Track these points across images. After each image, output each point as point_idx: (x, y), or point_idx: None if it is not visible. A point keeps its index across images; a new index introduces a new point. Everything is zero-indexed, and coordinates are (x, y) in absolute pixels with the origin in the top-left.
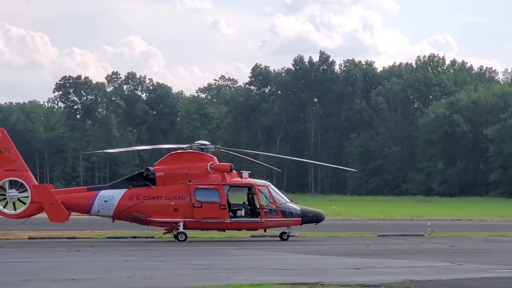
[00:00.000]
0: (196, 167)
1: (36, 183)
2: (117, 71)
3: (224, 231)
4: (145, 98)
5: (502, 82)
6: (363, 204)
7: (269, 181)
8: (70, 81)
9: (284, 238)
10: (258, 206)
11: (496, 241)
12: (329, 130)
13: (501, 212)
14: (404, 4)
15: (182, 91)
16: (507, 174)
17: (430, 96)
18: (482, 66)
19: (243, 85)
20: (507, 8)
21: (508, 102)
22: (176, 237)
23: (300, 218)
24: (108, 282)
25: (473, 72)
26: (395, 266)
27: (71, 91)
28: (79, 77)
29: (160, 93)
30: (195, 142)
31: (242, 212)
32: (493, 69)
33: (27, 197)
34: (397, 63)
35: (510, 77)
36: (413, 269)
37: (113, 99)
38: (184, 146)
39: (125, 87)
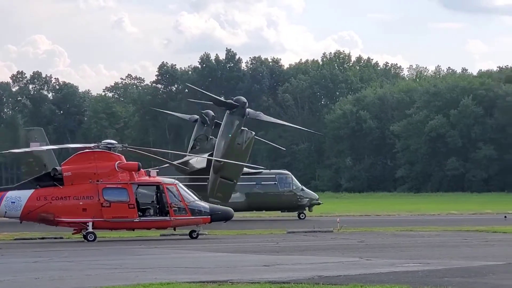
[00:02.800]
0: (104, 166)
1: None
2: (22, 71)
3: (133, 230)
4: (51, 98)
5: (407, 78)
6: None
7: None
8: None
9: (194, 236)
10: (167, 205)
11: (403, 235)
12: None
13: (408, 207)
14: (309, 1)
15: (89, 90)
16: (413, 169)
17: (337, 93)
18: (387, 63)
19: (150, 84)
20: (410, 5)
21: (413, 98)
22: (85, 237)
23: (209, 216)
24: (16, 285)
25: (379, 68)
26: (304, 262)
27: None
28: None
29: (67, 92)
30: (102, 141)
31: (151, 211)
32: (398, 66)
33: None
34: (303, 60)
35: (415, 73)
36: (322, 265)
37: (18, 99)
38: (91, 145)
39: (30, 86)
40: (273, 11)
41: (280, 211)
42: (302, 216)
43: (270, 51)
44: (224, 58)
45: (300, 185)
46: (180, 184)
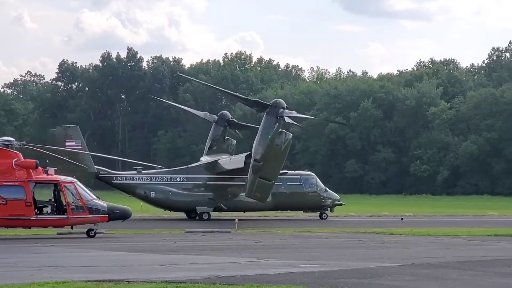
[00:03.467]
0: (1, 163)
1: None
2: None
3: (30, 228)
4: None
5: (308, 80)
6: None
7: (75, 178)
8: None
9: (91, 235)
10: (64, 203)
11: (301, 236)
12: (137, 127)
13: None
14: (211, 1)
15: None
16: (313, 171)
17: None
18: (288, 64)
19: (50, 81)
20: (312, 7)
21: (313, 99)
22: None
23: (107, 215)
24: None
25: (280, 70)
26: (201, 262)
27: None
28: None
29: None
30: (0, 138)
31: (48, 209)
32: (299, 67)
33: None
34: (204, 60)
35: (315, 75)
36: (219, 265)
37: None
38: None
39: None
40: (175, 11)
41: (303, 211)
42: (324, 216)
43: (172, 51)
44: (125, 56)
45: (323, 186)
46: (78, 183)
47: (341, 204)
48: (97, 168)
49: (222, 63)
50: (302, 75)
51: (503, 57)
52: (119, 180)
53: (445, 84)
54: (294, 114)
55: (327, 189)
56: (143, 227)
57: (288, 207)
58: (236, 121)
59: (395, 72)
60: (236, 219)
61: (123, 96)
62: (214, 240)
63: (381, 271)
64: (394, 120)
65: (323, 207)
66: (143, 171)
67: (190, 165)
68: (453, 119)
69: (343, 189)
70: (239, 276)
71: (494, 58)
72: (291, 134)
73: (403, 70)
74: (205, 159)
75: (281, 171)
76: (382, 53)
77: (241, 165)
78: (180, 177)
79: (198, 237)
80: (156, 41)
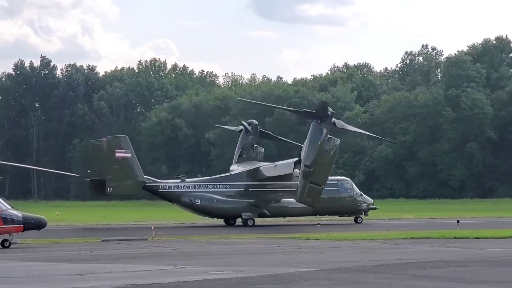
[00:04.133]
0: None
1: None
2: None
3: None
4: None
5: (222, 86)
6: (88, 210)
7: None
8: None
9: (6, 245)
10: None
11: (218, 243)
12: (52, 135)
13: None
14: (124, 8)
15: None
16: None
17: (153, 100)
18: (203, 71)
19: None
20: (225, 13)
21: (228, 105)
22: None
23: (22, 225)
24: None
25: (194, 76)
26: (118, 270)
27: None
28: None
29: None
30: None
31: None
32: (214, 73)
33: None
34: (119, 68)
35: (230, 81)
36: (136, 273)
37: None
38: None
39: None
40: (88, 18)
41: (339, 216)
42: (359, 220)
43: (86, 59)
44: (38, 65)
45: (359, 190)
46: None
47: (375, 208)
48: (145, 178)
49: (136, 70)
50: (217, 81)
51: (416, 61)
52: (165, 189)
53: (359, 88)
54: (348, 127)
55: (362, 193)
56: (58, 236)
57: (327, 212)
58: (263, 129)
59: (309, 77)
60: (152, 227)
61: (37, 105)
62: (131, 248)
63: (298, 276)
64: (309, 124)
65: (359, 211)
66: (187, 179)
67: (231, 173)
68: (368, 123)
69: None
70: (156, 284)
71: (407, 62)
72: (339, 140)
73: (318, 75)
74: (235, 167)
75: None
76: (296, 58)
77: (291, 171)
78: (223, 184)
79: (114, 246)
80: (69, 49)
